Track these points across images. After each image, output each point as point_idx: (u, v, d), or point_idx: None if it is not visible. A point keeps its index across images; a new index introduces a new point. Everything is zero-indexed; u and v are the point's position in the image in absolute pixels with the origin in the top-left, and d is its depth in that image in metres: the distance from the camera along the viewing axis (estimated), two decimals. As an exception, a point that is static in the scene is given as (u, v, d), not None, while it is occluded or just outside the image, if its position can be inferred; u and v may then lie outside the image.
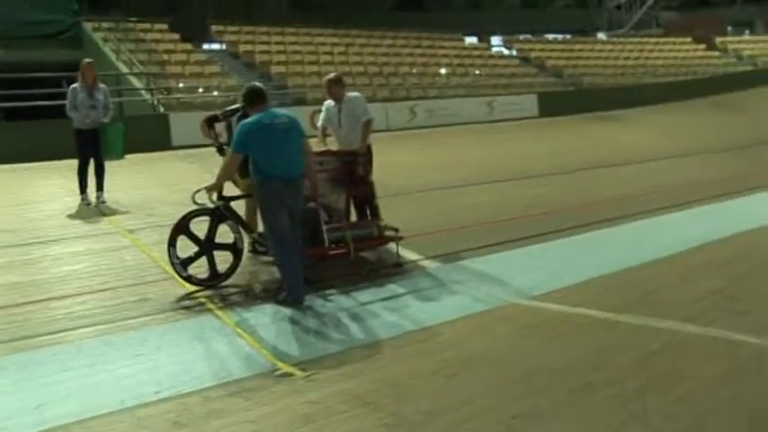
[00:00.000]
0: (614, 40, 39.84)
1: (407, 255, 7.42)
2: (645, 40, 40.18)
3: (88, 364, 4.86)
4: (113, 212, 10.11)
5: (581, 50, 36.03)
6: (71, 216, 9.99)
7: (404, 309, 5.94)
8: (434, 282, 6.69)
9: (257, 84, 6.61)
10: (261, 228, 6.97)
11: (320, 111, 8.39)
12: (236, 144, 6.17)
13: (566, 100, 27.83)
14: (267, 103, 6.33)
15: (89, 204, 10.47)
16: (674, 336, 4.92)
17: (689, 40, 40.43)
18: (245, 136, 6.09)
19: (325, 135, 8.07)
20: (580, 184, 11.88)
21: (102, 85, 10.68)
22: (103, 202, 10.51)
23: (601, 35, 41.72)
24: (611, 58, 36.08)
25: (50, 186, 12.39)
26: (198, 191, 6.56)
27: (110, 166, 10.82)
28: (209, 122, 7.71)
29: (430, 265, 7.24)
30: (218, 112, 7.77)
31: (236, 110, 7.31)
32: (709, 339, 4.84)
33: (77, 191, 10.61)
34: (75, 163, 10.61)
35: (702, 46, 40.01)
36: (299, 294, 6.12)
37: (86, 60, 10.79)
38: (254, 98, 6.30)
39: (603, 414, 3.82)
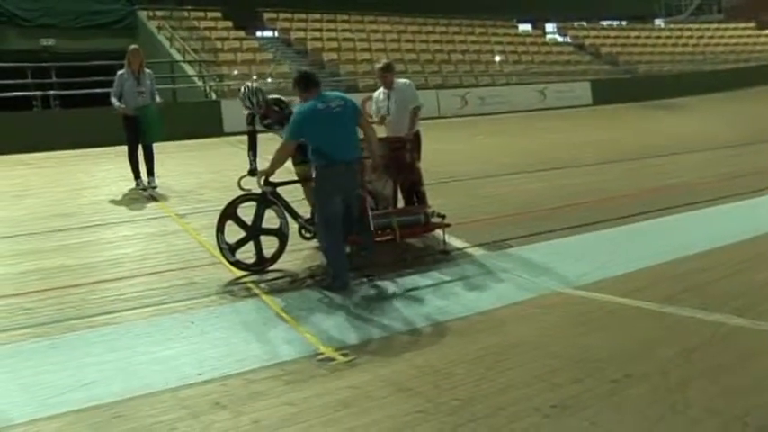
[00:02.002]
0: (672, 26, 38.96)
1: (454, 242, 7.39)
2: (705, 26, 39.23)
3: (136, 345, 4.99)
4: (164, 197, 10.28)
5: (637, 37, 35.36)
6: (123, 201, 10.20)
7: (448, 296, 5.94)
8: (480, 269, 6.66)
9: (307, 69, 6.64)
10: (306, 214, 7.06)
11: (371, 98, 8.43)
12: (290, 131, 6.16)
13: (620, 88, 27.38)
14: (320, 88, 6.29)
15: (144, 189, 10.65)
16: (720, 328, 4.79)
17: (752, 25, 39.32)
18: (300, 123, 6.07)
19: (381, 121, 8.09)
20: (632, 173, 11.66)
21: (147, 71, 10.81)
22: (154, 187, 10.69)
23: (658, 21, 40.83)
24: (669, 44, 35.35)
25: (104, 172, 12.65)
26: (243, 176, 6.66)
27: (161, 151, 11.00)
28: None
29: (476, 252, 7.20)
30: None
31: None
32: (757, 333, 4.71)
33: (130, 176, 10.81)
34: (126, 149, 10.79)
35: (766, 32, 38.85)
36: (345, 280, 6.14)
37: (132, 47, 10.93)
38: (307, 84, 6.26)
39: (644, 406, 3.76)
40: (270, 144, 7.08)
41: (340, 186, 6.11)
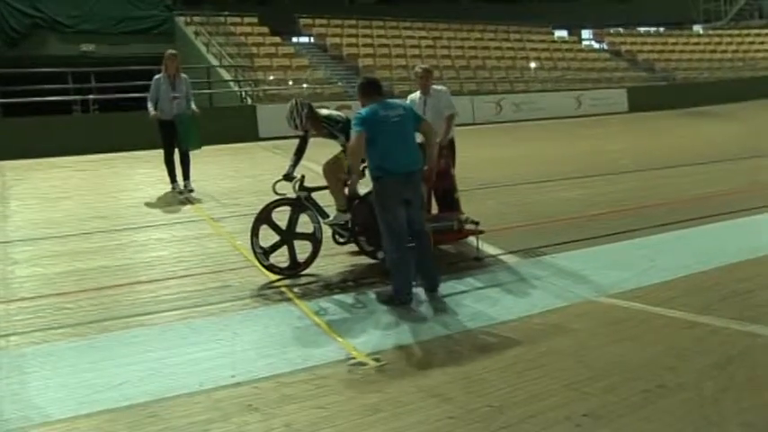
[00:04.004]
0: (711, 32, 38.45)
1: (487, 249, 7.37)
2: (745, 31, 38.62)
3: (169, 347, 5.06)
4: (199, 201, 10.39)
5: (675, 44, 35.00)
6: (159, 204, 10.33)
7: (481, 303, 5.93)
8: (514, 276, 6.64)
9: (372, 75, 6.52)
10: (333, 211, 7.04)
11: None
12: (356, 123, 5.91)
13: (657, 95, 27.10)
14: (382, 95, 6.19)
15: (181, 193, 10.76)
16: (756, 340, 4.73)
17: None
18: (364, 119, 5.88)
19: None
20: (669, 180, 11.53)
21: (183, 75, 10.91)
22: (191, 191, 10.79)
23: (697, 28, 40.31)
24: (708, 51, 34.93)
25: (141, 175, 12.80)
26: (278, 181, 6.70)
27: (197, 155, 11.09)
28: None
29: (510, 259, 7.18)
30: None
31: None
32: (796, 345, 4.64)
33: (166, 180, 10.94)
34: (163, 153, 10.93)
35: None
36: (408, 296, 5.92)
37: (169, 52, 11.04)
38: (369, 89, 6.13)
39: (677, 417, 3.72)
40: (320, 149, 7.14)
41: (398, 197, 5.91)
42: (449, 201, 7.92)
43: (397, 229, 5.93)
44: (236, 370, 4.60)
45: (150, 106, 10.59)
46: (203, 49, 23.34)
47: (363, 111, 5.99)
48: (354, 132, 5.93)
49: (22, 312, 5.89)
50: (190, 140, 10.73)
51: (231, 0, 28.00)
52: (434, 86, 8.14)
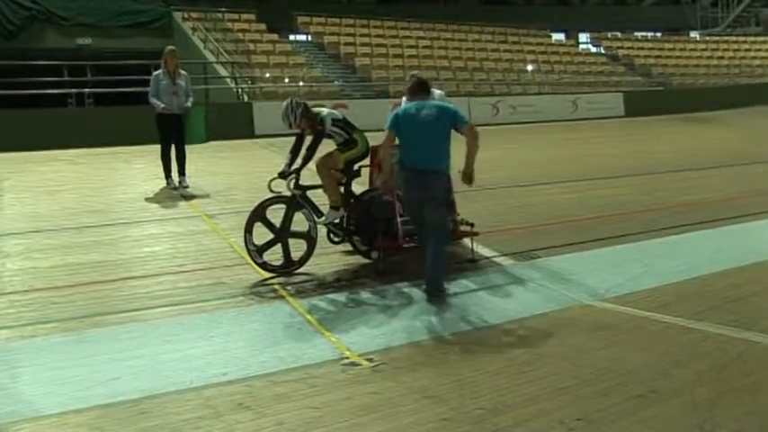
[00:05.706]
0: (708, 38, 38.51)
1: (482, 251, 7.35)
2: (742, 38, 38.69)
3: (161, 343, 5.04)
4: (194, 197, 10.34)
5: (671, 49, 34.99)
6: (154, 199, 10.28)
7: (475, 305, 5.91)
8: (508, 279, 6.63)
9: (422, 77, 6.80)
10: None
11: (399, 104, 8.37)
12: (388, 122, 6.28)
13: (653, 100, 27.06)
14: (426, 94, 6.44)
15: (175, 189, 10.73)
16: (751, 346, 4.72)
17: (791, 39, 38.70)
18: (395, 117, 6.25)
19: None
20: (664, 185, 11.52)
21: (183, 72, 10.91)
22: (186, 187, 10.75)
23: (694, 34, 40.37)
24: (704, 57, 34.94)
25: (136, 170, 12.76)
26: (274, 179, 6.67)
27: (193, 151, 11.07)
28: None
29: (504, 261, 7.17)
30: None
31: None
32: (790, 352, 4.64)
33: (161, 175, 10.90)
34: (159, 148, 10.88)
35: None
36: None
37: (169, 48, 11.04)
38: (412, 88, 6.50)
39: (670, 422, 3.71)
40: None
41: (410, 192, 6.21)
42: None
43: (415, 222, 6.41)
44: (228, 368, 4.57)
45: (155, 101, 10.56)
46: (200, 44, 23.23)
47: (398, 110, 6.38)
48: (387, 128, 6.27)
49: (12, 306, 5.85)
50: (196, 134, 10.72)
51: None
52: (433, 90, 8.06)
